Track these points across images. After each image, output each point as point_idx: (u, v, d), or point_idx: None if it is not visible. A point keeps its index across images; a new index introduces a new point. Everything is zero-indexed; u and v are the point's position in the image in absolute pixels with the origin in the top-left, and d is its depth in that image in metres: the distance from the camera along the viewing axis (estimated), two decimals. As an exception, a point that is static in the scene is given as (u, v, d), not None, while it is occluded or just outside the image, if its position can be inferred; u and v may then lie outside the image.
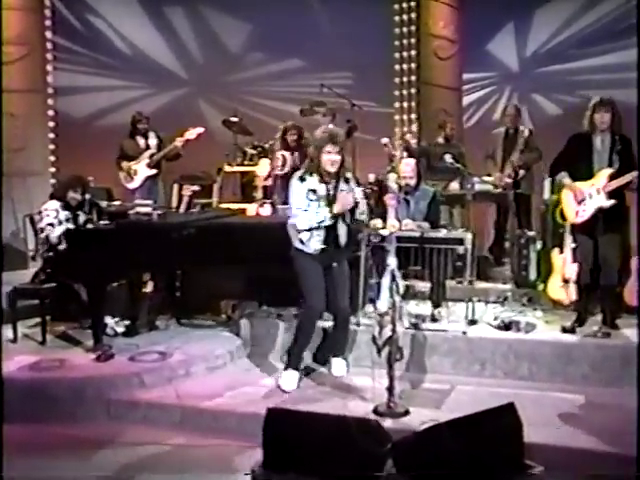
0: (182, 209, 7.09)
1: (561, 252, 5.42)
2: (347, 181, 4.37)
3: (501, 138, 7.02)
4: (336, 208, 4.23)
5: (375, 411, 4.01)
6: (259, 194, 7.41)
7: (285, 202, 6.58)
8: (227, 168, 7.58)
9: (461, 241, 4.88)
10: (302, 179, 4.34)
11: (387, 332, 3.96)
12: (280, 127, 7.28)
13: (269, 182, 7.37)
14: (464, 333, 4.82)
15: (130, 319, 5.28)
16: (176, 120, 7.72)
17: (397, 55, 7.80)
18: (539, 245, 6.04)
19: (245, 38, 10.28)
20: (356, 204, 4.29)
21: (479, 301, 5.50)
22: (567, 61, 9.27)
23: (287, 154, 7.17)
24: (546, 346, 4.66)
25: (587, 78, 9.14)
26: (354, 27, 8.84)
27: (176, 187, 7.69)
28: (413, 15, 7.63)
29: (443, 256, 4.94)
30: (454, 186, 6.83)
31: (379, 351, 4.04)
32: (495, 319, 5.13)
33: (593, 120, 4.77)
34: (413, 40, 7.72)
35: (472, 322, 5.04)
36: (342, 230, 4.33)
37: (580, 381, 4.53)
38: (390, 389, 4.01)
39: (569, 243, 5.39)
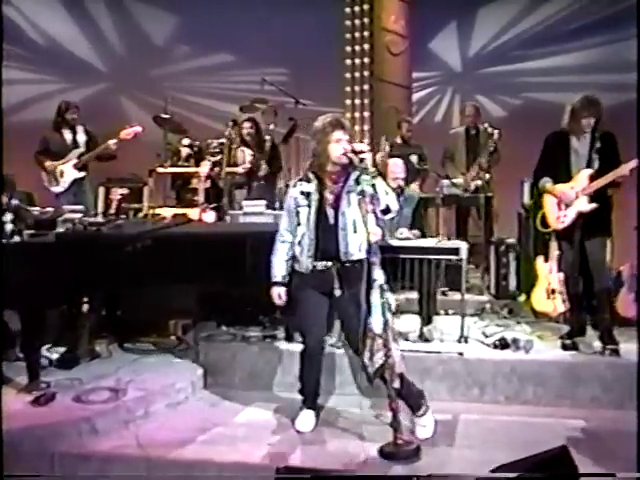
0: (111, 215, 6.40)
1: (546, 260, 5.06)
2: (358, 179, 3.49)
3: (462, 139, 6.64)
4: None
5: (382, 452, 3.41)
6: (200, 198, 6.73)
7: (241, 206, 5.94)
8: (160, 169, 6.83)
9: (456, 251, 4.36)
10: (299, 181, 3.68)
11: (380, 357, 3.36)
12: (230, 122, 6.60)
13: (207, 184, 6.71)
14: (460, 354, 4.30)
15: (68, 346, 4.43)
16: (95, 117, 6.88)
17: (348, 49, 7.25)
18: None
19: (171, 30, 9.57)
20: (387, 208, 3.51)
21: (454, 314, 5.07)
22: (510, 62, 9.06)
23: (247, 150, 6.52)
24: (552, 366, 4.21)
25: (530, 80, 8.98)
26: (297, 18, 8.33)
27: (102, 190, 6.95)
28: (366, 7, 7.10)
29: (434, 267, 4.42)
30: (413, 188, 6.36)
31: (370, 380, 3.45)
32: (486, 336, 4.65)
33: (578, 123, 4.37)
34: (366, 33, 7.19)
35: (461, 340, 4.53)
36: (350, 239, 3.56)
37: (590, 404, 4.10)
38: (395, 425, 3.41)
39: (554, 251, 5.03)
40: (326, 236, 3.57)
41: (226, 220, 6.36)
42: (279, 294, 3.73)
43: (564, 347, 4.45)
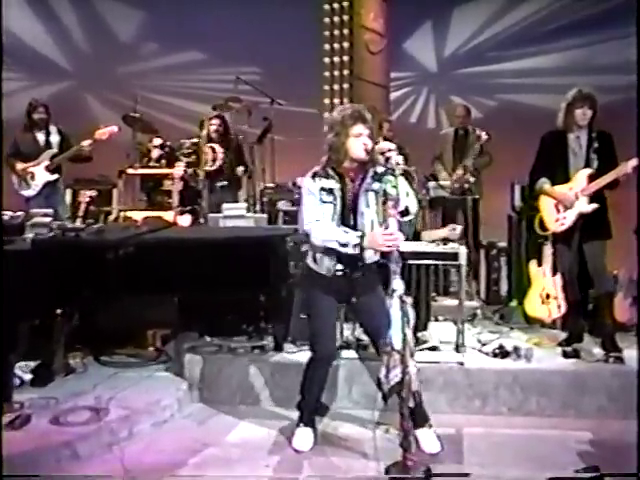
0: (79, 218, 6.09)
1: (539, 264, 4.92)
2: (378, 177, 3.27)
3: (451, 140, 6.48)
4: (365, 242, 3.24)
5: (389, 473, 3.18)
6: (175, 200, 6.44)
7: (218, 210, 5.67)
8: (130, 170, 6.54)
9: (455, 256, 4.17)
10: (316, 176, 3.35)
11: (396, 374, 3.13)
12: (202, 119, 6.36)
13: (180, 186, 6.44)
14: (461, 364, 4.10)
15: (41, 361, 4.10)
16: (61, 117, 6.52)
17: (327, 47, 7.01)
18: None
19: (138, 26, 9.22)
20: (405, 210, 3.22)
21: (445, 320, 4.90)
22: (486, 63, 8.96)
23: (218, 147, 6.25)
24: (555, 375, 4.04)
25: (506, 82, 8.90)
26: (272, 14, 8.08)
27: (69, 192, 6.64)
28: (345, 4, 6.88)
29: (433, 273, 4.23)
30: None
31: (386, 398, 3.23)
32: (483, 344, 4.47)
33: (573, 116, 4.24)
34: (345, 31, 6.96)
35: (459, 348, 4.34)
36: None
37: (596, 414, 3.95)
38: (406, 445, 3.18)
39: (548, 254, 4.90)
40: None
41: (205, 224, 6.11)
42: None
43: (565, 355, 4.29)
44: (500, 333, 4.83)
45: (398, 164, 3.10)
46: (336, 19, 6.94)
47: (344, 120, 3.24)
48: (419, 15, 8.88)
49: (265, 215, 5.81)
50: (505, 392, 4.03)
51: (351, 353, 4.18)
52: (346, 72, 6.93)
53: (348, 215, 3.31)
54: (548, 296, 4.84)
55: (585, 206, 4.24)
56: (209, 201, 6.15)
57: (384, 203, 3.21)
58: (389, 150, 3.15)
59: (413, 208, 3.24)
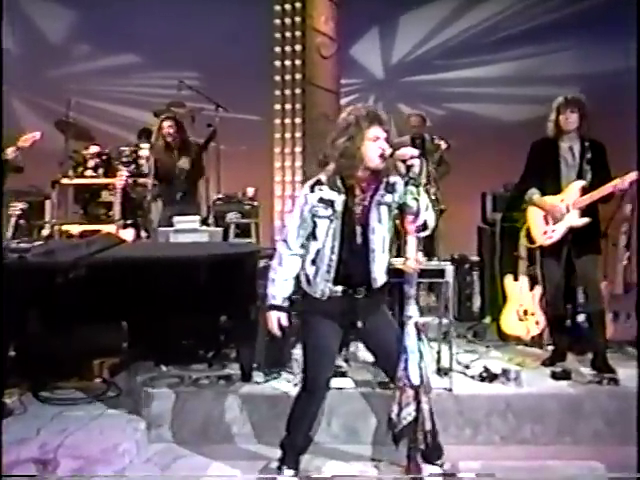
0: (9, 234, 5.56)
1: (515, 279, 4.70)
2: (391, 188, 2.90)
3: (407, 149, 6.19)
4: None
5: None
6: (116, 213, 5.95)
7: (169, 224, 5.21)
8: (65, 180, 6.09)
9: (441, 273, 3.85)
10: (318, 184, 2.95)
11: (409, 413, 2.77)
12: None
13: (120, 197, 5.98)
14: (449, 390, 3.78)
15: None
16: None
17: (278, 49, 6.62)
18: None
19: (68, 26, 8.59)
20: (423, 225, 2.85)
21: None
22: (433, 72, 8.80)
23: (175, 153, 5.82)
24: (549, 400, 3.77)
25: (453, 90, 8.75)
26: (215, 15, 7.66)
27: (-5, 206, 6.04)
28: (297, 4, 6.52)
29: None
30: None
31: (397, 440, 2.85)
32: (467, 367, 4.17)
33: (559, 122, 4.04)
34: (297, 33, 6.59)
35: (440, 372, 4.03)
36: (378, 261, 2.92)
37: (592, 440, 3.69)
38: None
39: (524, 268, 4.69)
40: (352, 258, 2.90)
41: (149, 238, 5.66)
42: (279, 319, 3.01)
43: (554, 376, 4.02)
44: (477, 353, 4.57)
45: (421, 173, 2.74)
46: (287, 21, 6.57)
47: (359, 121, 2.84)
48: (366, 20, 8.64)
49: (220, 229, 5.38)
50: (497, 420, 3.73)
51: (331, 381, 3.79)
52: (298, 76, 6.56)
53: (353, 231, 2.91)
54: (526, 312, 4.64)
55: (576, 219, 4.02)
56: (163, 214, 5.67)
57: (401, 217, 2.83)
58: (412, 157, 2.78)
59: (431, 222, 2.87)
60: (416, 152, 2.83)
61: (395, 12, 8.71)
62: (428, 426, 2.80)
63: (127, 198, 6.09)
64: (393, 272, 3.03)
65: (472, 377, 4.01)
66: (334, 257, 2.88)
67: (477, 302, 5.18)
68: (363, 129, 2.82)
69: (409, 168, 2.77)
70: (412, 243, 2.85)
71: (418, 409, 2.76)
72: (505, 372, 3.93)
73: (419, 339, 2.74)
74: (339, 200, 2.90)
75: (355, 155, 2.83)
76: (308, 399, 3.08)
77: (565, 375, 4.00)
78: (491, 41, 8.53)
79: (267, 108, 7.18)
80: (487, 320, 5.07)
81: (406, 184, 2.79)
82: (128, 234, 5.72)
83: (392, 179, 2.89)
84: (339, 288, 2.91)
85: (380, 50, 8.94)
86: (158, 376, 3.98)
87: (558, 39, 8.09)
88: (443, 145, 5.85)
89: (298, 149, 6.69)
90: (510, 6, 8.46)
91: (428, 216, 2.84)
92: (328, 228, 2.89)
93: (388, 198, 2.90)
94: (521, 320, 4.63)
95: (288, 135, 6.71)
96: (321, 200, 2.90)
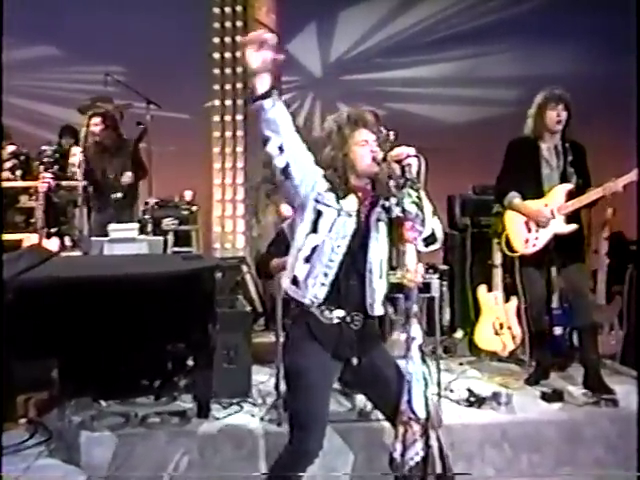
0: None
1: (489, 290, 4.37)
2: (387, 203, 2.45)
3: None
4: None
5: None
6: (39, 220, 5.30)
7: (102, 233, 4.60)
8: None
9: (427, 287, 3.42)
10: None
11: (416, 452, 2.32)
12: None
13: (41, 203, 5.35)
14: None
15: None
16: None
17: (217, 40, 6.06)
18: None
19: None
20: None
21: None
22: (373, 71, 8.51)
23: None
24: (547, 426, 3.42)
25: (394, 90, 8.49)
26: (147, 2, 7.05)
27: None
28: (239, -7, 6.00)
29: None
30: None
31: (400, 483, 2.39)
32: (451, 390, 3.76)
33: (543, 120, 3.71)
34: (239, 23, 6.05)
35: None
36: (377, 286, 2.47)
37: (593, 467, 3.37)
38: None
39: (499, 279, 4.37)
40: (349, 279, 2.43)
41: (81, 248, 5.06)
42: None
43: (545, 397, 3.68)
44: (452, 371, 4.20)
45: (419, 174, 2.29)
46: (227, 10, 6.02)
47: (341, 128, 2.49)
48: (303, 15, 8.23)
49: (161, 238, 4.80)
50: (492, 450, 3.35)
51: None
52: (239, 70, 6.02)
53: (351, 252, 2.45)
54: (502, 326, 4.31)
55: (562, 226, 3.71)
56: (96, 221, 5.06)
57: (400, 226, 2.36)
58: (408, 156, 2.33)
59: (440, 233, 2.43)
60: (413, 150, 2.41)
61: (334, 8, 8.35)
62: (439, 467, 2.35)
63: (50, 203, 5.45)
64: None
65: (457, 402, 3.62)
66: (335, 257, 2.41)
67: (447, 315, 4.79)
68: (347, 135, 2.47)
69: (405, 168, 2.37)
70: (412, 253, 2.40)
71: (426, 447, 2.31)
72: (495, 396, 3.57)
73: (423, 363, 2.30)
74: (352, 201, 2.44)
75: (344, 164, 2.46)
76: (298, 462, 2.47)
77: (557, 397, 3.67)
78: (428, 41, 8.34)
79: (203, 105, 6.64)
80: (458, 334, 4.70)
81: (403, 187, 2.37)
82: (53, 244, 5.08)
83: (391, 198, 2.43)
84: (334, 314, 2.42)
85: (318, 47, 8.56)
86: (98, 415, 3.35)
87: (497, 41, 7.97)
88: (392, 136, 5.49)
89: (239, 149, 6.13)
90: (450, 6, 8.28)
91: (435, 225, 2.42)
92: (334, 223, 2.42)
93: (383, 216, 2.48)
94: (497, 334, 4.29)
95: (228, 134, 6.14)
96: (331, 190, 2.45)
